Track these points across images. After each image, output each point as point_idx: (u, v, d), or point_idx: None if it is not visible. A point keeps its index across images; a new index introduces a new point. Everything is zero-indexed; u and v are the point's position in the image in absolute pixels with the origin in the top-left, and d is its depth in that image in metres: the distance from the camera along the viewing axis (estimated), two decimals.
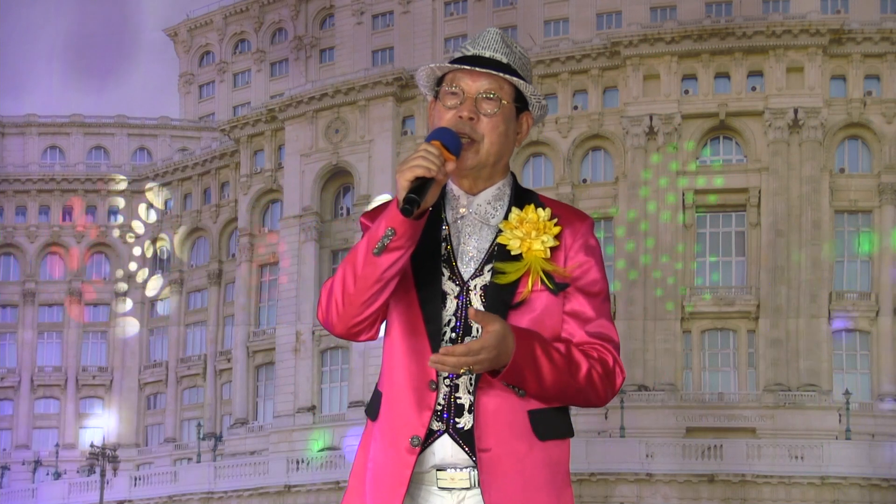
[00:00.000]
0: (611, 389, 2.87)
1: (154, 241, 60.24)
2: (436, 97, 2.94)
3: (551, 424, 2.86)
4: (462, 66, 2.88)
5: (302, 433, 51.03)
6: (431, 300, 2.85)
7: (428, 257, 2.86)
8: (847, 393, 43.00)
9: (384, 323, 2.91)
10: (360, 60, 56.69)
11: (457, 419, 2.83)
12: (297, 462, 44.84)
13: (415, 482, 2.85)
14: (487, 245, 2.87)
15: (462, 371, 2.75)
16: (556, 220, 2.86)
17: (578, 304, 2.86)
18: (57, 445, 57.96)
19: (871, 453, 39.33)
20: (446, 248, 2.88)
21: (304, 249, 52.79)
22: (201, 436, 53.39)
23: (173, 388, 58.93)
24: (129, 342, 60.04)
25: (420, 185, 2.70)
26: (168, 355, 59.35)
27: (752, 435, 43.16)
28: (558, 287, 2.84)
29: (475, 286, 2.85)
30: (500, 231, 2.87)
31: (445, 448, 2.84)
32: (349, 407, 50.69)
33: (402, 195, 2.70)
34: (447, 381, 2.85)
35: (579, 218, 2.90)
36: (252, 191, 55.77)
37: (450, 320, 2.85)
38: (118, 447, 52.11)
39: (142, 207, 60.59)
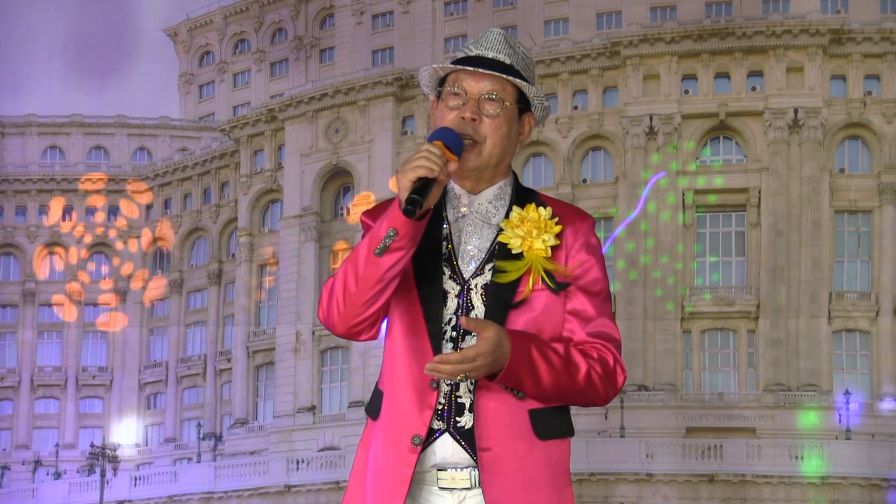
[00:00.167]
0: (612, 389, 2.87)
1: (154, 242, 60.23)
2: (438, 97, 2.94)
3: (552, 424, 2.86)
4: (465, 67, 2.88)
5: (302, 433, 51.04)
6: (432, 299, 2.85)
7: (429, 256, 2.86)
8: (847, 393, 43.01)
9: (385, 322, 2.91)
10: (360, 60, 56.68)
11: (457, 418, 2.83)
12: (297, 462, 44.85)
13: (415, 482, 2.85)
14: (488, 244, 2.87)
15: (458, 378, 2.75)
16: (557, 219, 2.86)
17: (579, 303, 2.86)
18: (57, 445, 57.96)
19: (871, 453, 39.34)
20: (447, 247, 2.88)
21: (303, 249, 52.80)
22: (201, 436, 53.40)
23: (173, 388, 58.92)
24: (129, 342, 60.02)
25: (422, 186, 2.70)
26: (168, 355, 59.34)
27: (752, 435, 43.16)
28: (559, 286, 2.84)
29: (476, 285, 2.85)
30: (501, 230, 2.87)
31: (446, 447, 2.84)
32: (349, 407, 50.68)
33: (404, 196, 2.70)
34: (448, 381, 2.85)
35: (580, 217, 2.90)
36: (252, 191, 55.78)
37: (450, 319, 2.85)
38: (118, 447, 52.12)
39: (141, 207, 60.59)
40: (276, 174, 54.96)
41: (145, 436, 59.63)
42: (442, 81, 2.92)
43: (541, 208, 2.86)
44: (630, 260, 46.95)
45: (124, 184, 60.93)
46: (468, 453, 2.83)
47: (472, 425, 2.82)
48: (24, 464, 57.35)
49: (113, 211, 61.03)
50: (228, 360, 56.57)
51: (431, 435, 2.84)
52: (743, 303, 46.94)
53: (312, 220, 52.71)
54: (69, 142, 63.05)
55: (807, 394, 44.77)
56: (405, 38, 57.22)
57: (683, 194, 47.47)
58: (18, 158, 62.03)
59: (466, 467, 2.84)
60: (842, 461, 38.80)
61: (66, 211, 60.87)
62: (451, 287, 2.86)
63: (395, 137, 51.88)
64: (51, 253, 60.96)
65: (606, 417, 43.69)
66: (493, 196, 2.90)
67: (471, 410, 2.83)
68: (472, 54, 2.89)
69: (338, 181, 53.36)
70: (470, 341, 2.82)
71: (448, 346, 2.84)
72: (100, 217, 60.76)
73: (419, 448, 2.82)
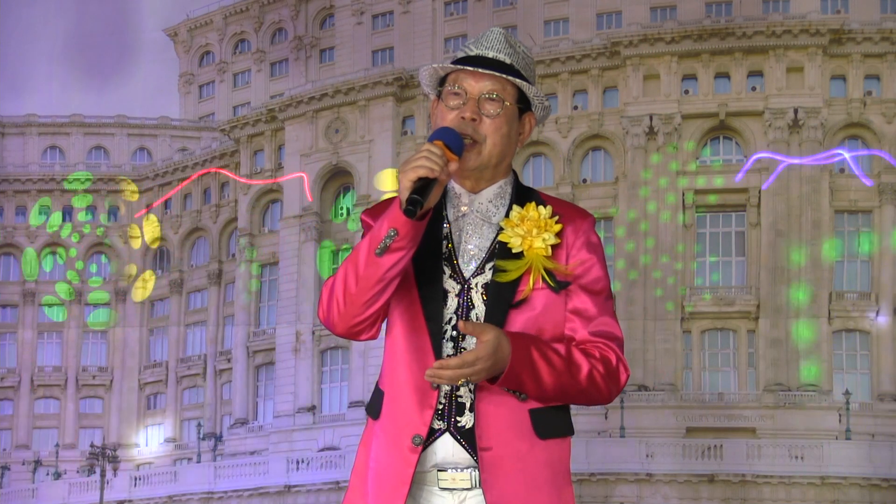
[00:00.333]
0: (615, 387, 2.87)
1: (153, 242, 60.22)
2: (438, 97, 2.94)
3: (552, 423, 2.86)
4: (465, 67, 2.88)
5: (302, 433, 51.03)
6: (433, 298, 2.85)
7: (429, 256, 2.86)
8: (847, 393, 42.99)
9: (385, 322, 2.91)
10: (360, 60, 56.67)
11: (458, 418, 2.83)
12: (297, 462, 44.83)
13: (416, 482, 2.85)
14: (489, 243, 2.87)
15: (459, 383, 2.75)
16: (557, 218, 2.86)
17: (581, 301, 2.86)
18: (57, 445, 57.92)
19: (871, 453, 39.32)
20: (447, 246, 2.88)
21: (303, 249, 52.80)
22: (201, 436, 53.37)
23: (173, 388, 58.90)
24: (129, 342, 59.99)
25: (423, 186, 2.70)
26: (168, 355, 59.32)
27: (752, 435, 43.14)
28: (559, 285, 2.84)
29: (476, 284, 2.85)
30: (501, 229, 2.87)
31: (447, 447, 2.84)
32: (349, 407, 50.69)
33: (404, 196, 2.69)
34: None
35: (581, 215, 2.90)
36: (252, 191, 55.78)
37: (451, 318, 2.85)
38: (118, 447, 52.10)
39: (141, 208, 60.55)
40: (276, 174, 54.95)
41: (145, 436, 59.64)
42: (442, 81, 2.92)
43: (541, 207, 2.86)
44: (630, 260, 46.94)
45: (124, 184, 60.94)
46: (469, 453, 2.83)
47: (473, 425, 2.82)
48: (24, 464, 57.32)
49: (113, 211, 61.02)
50: (228, 360, 56.55)
51: (432, 435, 2.84)
52: (743, 303, 46.93)
53: (312, 220, 52.72)
54: (69, 142, 63.04)
55: (807, 394, 44.76)
56: (405, 38, 57.22)
57: (683, 194, 47.45)
58: (18, 158, 62.03)
59: (467, 468, 2.84)
60: (842, 461, 38.78)
61: (66, 211, 60.84)
62: (452, 286, 2.86)
63: (395, 137, 51.87)
64: (52, 253, 60.94)
65: (606, 417, 43.67)
66: (493, 195, 2.90)
67: (471, 410, 2.83)
68: (472, 54, 2.88)
69: (338, 181, 53.34)
70: (470, 340, 2.82)
71: (448, 346, 2.84)
72: (100, 217, 60.72)
73: (420, 448, 2.82)
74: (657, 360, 46.52)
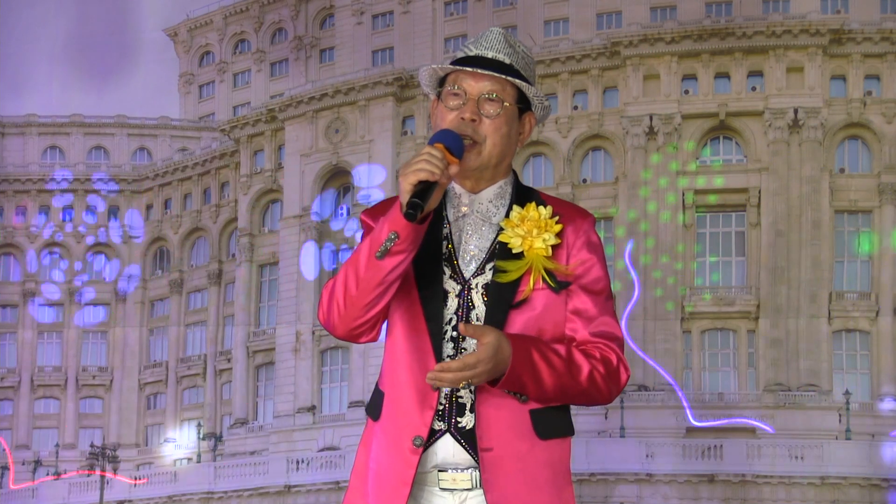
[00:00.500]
0: (616, 387, 2.87)
1: (153, 241, 60.24)
2: (438, 97, 2.93)
3: (552, 423, 2.86)
4: (464, 68, 2.87)
5: (302, 433, 51.03)
6: (433, 299, 2.85)
7: (429, 256, 2.85)
8: (847, 393, 42.99)
9: (385, 324, 2.91)
10: (360, 60, 56.66)
11: (458, 419, 2.83)
12: (297, 462, 44.83)
13: (416, 483, 2.85)
14: (489, 243, 2.87)
15: (461, 385, 2.75)
16: (557, 218, 2.85)
17: (581, 302, 2.86)
18: (57, 445, 57.92)
19: (871, 453, 39.32)
20: (447, 246, 2.88)
21: (303, 249, 52.79)
22: (201, 436, 53.37)
23: (173, 388, 58.90)
24: (129, 342, 59.99)
25: (423, 189, 2.69)
26: (168, 355, 59.32)
27: (752, 435, 43.15)
28: (560, 285, 2.84)
29: (476, 285, 2.84)
30: (501, 229, 2.86)
31: (447, 448, 2.84)
32: (349, 407, 50.69)
33: (405, 199, 2.69)
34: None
35: (581, 215, 2.90)
36: (252, 191, 55.77)
37: (451, 319, 2.85)
38: (118, 447, 52.11)
39: (141, 208, 60.57)
40: (276, 174, 54.96)
41: (145, 436, 59.63)
42: (442, 81, 2.91)
43: (541, 207, 2.86)
44: (630, 260, 46.94)
45: (124, 184, 60.96)
46: (469, 454, 2.83)
47: (473, 426, 2.82)
48: (24, 464, 57.33)
49: (113, 211, 61.02)
50: (228, 360, 56.55)
51: (432, 436, 2.84)
52: (743, 303, 46.92)
53: (312, 220, 52.70)
54: (69, 142, 63.03)
55: (807, 394, 44.77)
56: (405, 38, 57.21)
57: (683, 194, 47.45)
58: (18, 158, 62.03)
59: (467, 468, 2.84)
60: (842, 461, 38.78)
61: (66, 211, 60.84)
62: (452, 287, 2.86)
63: (395, 137, 51.87)
64: (51, 253, 60.93)
65: (606, 417, 43.67)
66: (493, 195, 2.89)
67: (472, 411, 2.83)
68: (471, 54, 2.88)
69: (338, 181, 53.34)
70: (471, 341, 2.82)
71: (449, 346, 2.84)
72: (101, 217, 60.72)
73: (421, 449, 2.82)
74: (657, 360, 46.52)
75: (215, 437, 53.15)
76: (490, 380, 2.74)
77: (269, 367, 54.62)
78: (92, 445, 50.79)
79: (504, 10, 55.25)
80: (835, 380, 45.55)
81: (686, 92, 48.07)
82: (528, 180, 47.55)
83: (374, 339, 2.92)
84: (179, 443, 57.14)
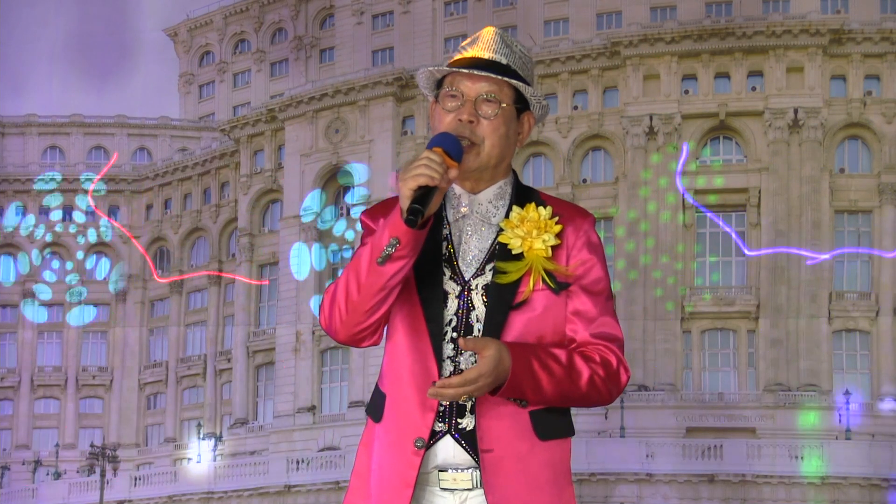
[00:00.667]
0: (616, 389, 2.87)
1: (153, 241, 60.26)
2: (436, 99, 2.93)
3: (552, 424, 2.86)
4: (461, 69, 2.87)
5: (302, 433, 51.04)
6: (433, 300, 2.84)
7: (429, 257, 2.85)
8: (847, 393, 43.00)
9: (386, 326, 2.90)
10: (360, 60, 56.67)
11: (459, 420, 2.83)
12: (297, 462, 44.84)
13: (417, 483, 2.84)
14: (488, 244, 2.86)
15: (462, 399, 2.75)
16: (557, 219, 2.85)
17: (581, 303, 2.85)
18: (57, 445, 57.94)
19: (871, 453, 39.34)
20: (447, 247, 2.87)
21: (303, 249, 52.78)
22: (201, 436, 53.38)
23: (173, 388, 58.91)
24: (129, 342, 60.00)
25: (423, 194, 2.68)
26: (168, 355, 59.34)
27: (752, 435, 43.16)
28: (560, 286, 2.83)
29: (476, 286, 2.84)
30: (501, 230, 2.86)
31: (448, 449, 2.84)
32: (349, 407, 50.69)
33: (405, 205, 2.68)
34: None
35: (581, 215, 2.89)
36: (252, 191, 55.79)
37: (451, 320, 2.84)
38: (118, 447, 52.12)
39: (141, 208, 60.61)
40: (276, 174, 54.96)
41: (145, 436, 59.63)
42: (440, 83, 2.91)
43: (541, 208, 2.85)
44: (630, 260, 46.97)
45: (124, 184, 60.97)
46: (469, 454, 2.83)
47: (474, 427, 2.82)
48: (24, 464, 57.34)
49: (113, 211, 61.03)
50: (228, 360, 56.56)
51: (433, 437, 2.83)
52: (743, 303, 46.94)
53: (312, 220, 52.70)
54: (69, 142, 63.05)
55: (807, 394, 44.78)
56: (405, 38, 57.22)
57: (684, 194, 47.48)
58: (18, 158, 62.04)
59: (468, 468, 2.83)
60: (842, 461, 38.80)
61: (67, 211, 60.85)
62: (452, 288, 2.85)
63: (395, 137, 51.88)
64: (53, 253, 60.95)
65: (606, 417, 43.69)
66: (493, 196, 2.89)
67: (472, 412, 2.83)
68: (468, 55, 2.87)
69: (338, 181, 53.35)
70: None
71: (449, 348, 2.84)
72: (101, 217, 60.72)
73: (423, 450, 2.81)
74: (657, 360, 46.54)
75: (215, 437, 53.18)
76: (490, 389, 2.75)
77: (269, 367, 54.65)
78: (92, 445, 50.80)
79: (504, 10, 55.27)
80: (835, 380, 45.58)
81: (686, 92, 48.10)
82: (528, 180, 47.54)
83: (377, 343, 2.92)
84: (179, 443, 57.19)
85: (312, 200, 52.69)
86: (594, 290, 2.86)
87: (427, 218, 2.71)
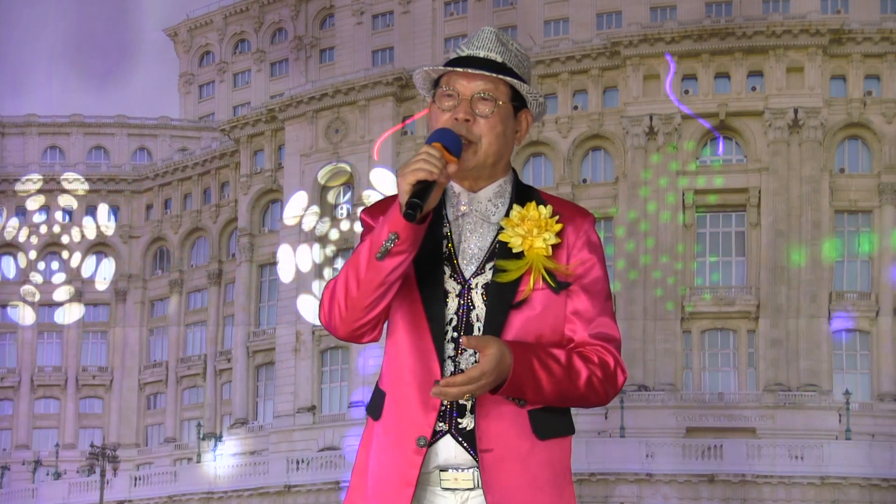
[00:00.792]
0: (613, 390, 2.87)
1: (153, 241, 60.27)
2: (434, 99, 2.93)
3: (552, 424, 2.86)
4: (455, 69, 2.87)
5: (302, 433, 51.04)
6: (433, 299, 2.84)
7: (429, 256, 2.85)
8: (847, 393, 42.99)
9: (386, 324, 2.90)
10: (360, 60, 56.68)
11: (459, 420, 2.83)
12: (297, 462, 44.84)
13: (418, 483, 2.84)
14: (489, 243, 2.86)
15: (465, 398, 2.75)
16: (557, 218, 2.85)
17: (580, 303, 2.85)
18: (57, 445, 57.94)
19: (871, 453, 39.33)
20: (447, 246, 2.87)
21: (303, 249, 52.77)
22: (201, 436, 53.37)
23: (173, 388, 58.91)
24: (129, 342, 60.00)
25: (422, 189, 2.68)
26: (168, 355, 59.34)
27: (752, 435, 43.15)
28: (560, 285, 2.83)
29: (477, 284, 2.84)
30: (501, 229, 2.86)
31: (448, 448, 2.83)
32: (349, 407, 50.69)
33: (404, 199, 2.68)
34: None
35: (581, 214, 2.89)
36: (252, 191, 55.79)
37: (451, 319, 2.84)
38: (118, 447, 52.12)
39: (141, 208, 60.62)
40: (276, 174, 54.96)
41: (145, 436, 59.63)
42: (436, 83, 2.91)
43: (541, 207, 2.85)
44: (630, 260, 46.96)
45: (124, 184, 60.98)
46: (470, 454, 2.83)
47: (474, 427, 2.82)
48: (24, 464, 57.33)
49: (113, 211, 61.04)
50: (228, 360, 56.56)
51: (434, 436, 2.83)
52: (743, 303, 46.93)
53: (312, 220, 52.69)
54: (69, 142, 63.05)
55: (807, 394, 44.77)
56: (405, 38, 57.23)
57: (683, 194, 47.47)
58: (18, 158, 62.04)
59: (469, 468, 2.83)
60: (842, 461, 38.80)
61: (67, 211, 60.85)
62: (452, 287, 2.85)
63: (395, 137, 51.88)
64: (52, 253, 60.95)
65: (606, 417, 43.68)
66: (493, 194, 2.89)
67: (472, 412, 2.82)
68: (463, 54, 2.87)
69: (338, 181, 53.35)
70: None
71: (450, 347, 2.84)
72: (101, 217, 60.74)
73: (424, 449, 2.81)
74: (657, 360, 46.53)
75: (215, 437, 53.17)
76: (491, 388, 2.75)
77: (269, 367, 54.64)
78: (92, 445, 50.80)
79: (504, 10, 55.27)
80: (835, 380, 45.57)
81: (686, 92, 48.09)
82: (528, 180, 47.51)
83: (376, 340, 2.92)
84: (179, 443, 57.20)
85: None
86: (593, 291, 2.87)
87: (426, 213, 2.71)
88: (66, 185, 60.41)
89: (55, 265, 60.80)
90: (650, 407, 45.24)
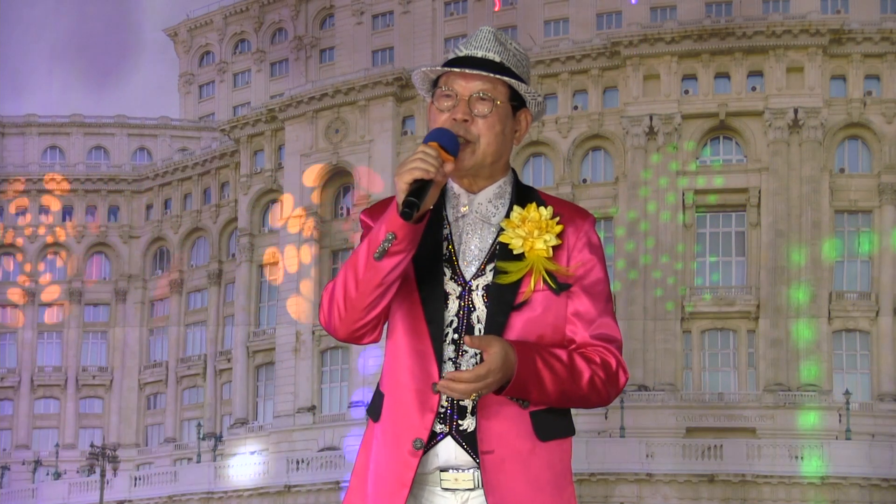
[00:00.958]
0: (614, 390, 2.87)
1: (153, 241, 60.28)
2: (433, 99, 2.93)
3: (553, 425, 2.85)
4: (453, 69, 2.86)
5: (302, 433, 51.03)
6: (433, 301, 2.83)
7: (429, 257, 2.84)
8: (847, 393, 42.99)
9: (386, 325, 2.90)
10: (360, 60, 56.69)
11: (460, 421, 2.82)
12: (297, 462, 44.83)
13: (418, 483, 2.84)
14: (489, 244, 2.86)
15: (472, 397, 2.74)
16: (558, 219, 2.84)
17: (581, 304, 2.84)
18: (57, 445, 57.95)
19: (871, 453, 39.33)
20: (448, 247, 2.87)
21: (303, 249, 52.77)
22: (201, 436, 53.38)
23: (173, 388, 58.93)
24: (129, 342, 60.01)
25: (419, 188, 2.68)
26: (168, 355, 59.36)
27: (752, 435, 43.15)
28: (560, 287, 2.83)
29: (477, 286, 2.83)
30: (501, 230, 2.85)
31: (449, 450, 2.83)
32: (349, 407, 50.68)
33: (401, 198, 2.68)
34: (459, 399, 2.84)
35: (581, 215, 2.88)
36: (252, 191, 55.78)
37: (452, 321, 2.84)
38: (118, 447, 52.12)
39: (141, 208, 60.62)
40: (276, 174, 54.96)
41: (145, 436, 59.64)
42: (435, 83, 2.91)
43: (542, 208, 2.84)
44: (630, 260, 46.97)
45: (124, 184, 60.96)
46: (470, 456, 2.82)
47: (475, 428, 2.81)
48: (24, 464, 57.35)
49: (113, 211, 61.05)
50: (228, 360, 56.58)
51: (433, 438, 2.83)
52: (743, 303, 46.94)
53: (312, 220, 52.69)
54: (69, 142, 63.07)
55: (807, 394, 44.77)
56: (405, 38, 57.23)
57: (683, 194, 47.48)
58: (18, 158, 62.04)
59: (470, 468, 2.83)
60: (842, 461, 38.80)
61: (66, 211, 60.85)
62: (453, 288, 2.84)
63: (395, 137, 51.88)
64: (54, 253, 60.96)
65: (606, 417, 43.69)
66: (492, 195, 2.88)
67: (473, 414, 2.82)
68: (462, 54, 2.87)
69: (338, 181, 53.35)
70: None
71: (450, 349, 2.83)
72: (101, 217, 60.74)
73: (420, 452, 2.81)
74: (657, 360, 46.55)
75: (215, 437, 53.18)
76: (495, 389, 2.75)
77: (269, 367, 54.66)
78: (92, 445, 50.79)
79: (504, 11, 55.31)
80: (835, 380, 45.58)
81: (686, 92, 48.11)
82: (528, 180, 47.53)
83: (377, 341, 2.91)
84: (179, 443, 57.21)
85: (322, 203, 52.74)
86: (594, 292, 2.86)
87: (423, 212, 2.70)
88: (65, 185, 60.38)
89: (54, 265, 60.82)
90: (650, 407, 45.26)
